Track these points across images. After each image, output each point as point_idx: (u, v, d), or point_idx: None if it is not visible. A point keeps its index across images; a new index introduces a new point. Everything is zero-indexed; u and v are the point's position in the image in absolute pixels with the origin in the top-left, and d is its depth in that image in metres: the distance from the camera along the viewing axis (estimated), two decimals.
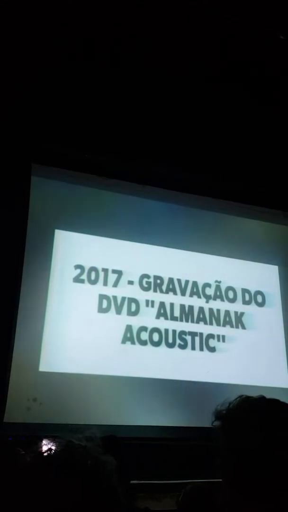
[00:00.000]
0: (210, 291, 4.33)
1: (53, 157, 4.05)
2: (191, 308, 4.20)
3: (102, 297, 3.97)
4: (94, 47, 3.60)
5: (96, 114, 3.92)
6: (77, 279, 3.95)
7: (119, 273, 4.07)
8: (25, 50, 3.54)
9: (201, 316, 4.23)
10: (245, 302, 4.43)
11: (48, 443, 0.79)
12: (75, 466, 0.75)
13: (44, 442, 0.79)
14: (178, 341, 4.07)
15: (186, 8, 3.33)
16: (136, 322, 4.00)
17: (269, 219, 4.89)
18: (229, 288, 4.41)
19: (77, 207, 4.13)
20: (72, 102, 3.85)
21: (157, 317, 4.07)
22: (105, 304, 3.96)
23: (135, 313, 4.03)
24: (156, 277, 4.19)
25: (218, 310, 4.29)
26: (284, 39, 3.51)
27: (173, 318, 4.12)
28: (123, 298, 4.02)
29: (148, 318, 4.04)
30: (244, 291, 4.47)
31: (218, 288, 4.36)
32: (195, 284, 4.29)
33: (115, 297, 3.99)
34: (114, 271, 4.06)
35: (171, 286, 4.22)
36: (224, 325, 4.27)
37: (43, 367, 3.63)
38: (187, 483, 2.27)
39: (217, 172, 4.36)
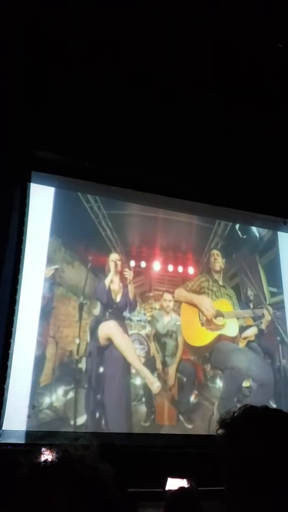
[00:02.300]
0: None
1: (53, 165, 4.02)
2: None
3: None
4: (94, 56, 3.60)
5: (96, 122, 3.90)
6: None
7: None
8: (27, 58, 3.54)
9: None
10: None
11: (44, 453, 0.75)
12: (72, 477, 0.72)
13: (40, 452, 0.76)
14: None
15: (184, 18, 3.33)
16: None
17: (269, 226, 4.91)
18: None
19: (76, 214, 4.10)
20: (73, 110, 3.83)
21: None
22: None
23: None
24: None
25: None
26: (282, 48, 3.51)
27: None
28: None
29: None
30: None
31: None
32: None
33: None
34: None
35: None
36: None
37: None
38: None
39: (218, 180, 4.34)
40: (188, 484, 2.31)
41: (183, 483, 2.48)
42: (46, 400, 3.54)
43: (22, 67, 3.60)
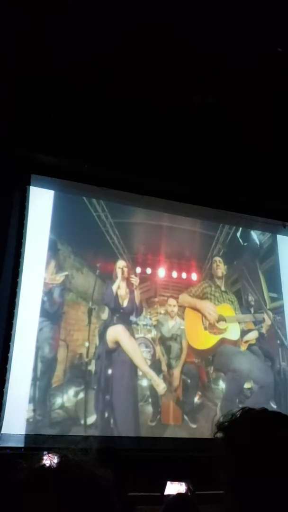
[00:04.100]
0: None
1: (52, 168, 3.95)
2: None
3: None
4: (94, 59, 3.56)
5: (96, 126, 3.85)
6: None
7: None
8: (27, 61, 3.49)
9: None
10: None
11: (42, 459, 0.70)
12: (70, 483, 0.67)
13: (38, 457, 0.71)
14: None
15: (184, 23, 3.27)
16: None
17: (269, 230, 4.85)
18: None
19: (84, 223, 4.08)
20: (73, 113, 3.78)
21: None
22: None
23: None
24: None
25: None
26: (281, 52, 3.44)
27: None
28: None
29: None
30: None
31: None
32: None
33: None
34: None
35: None
36: None
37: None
38: None
39: (217, 183, 4.28)
40: (186, 488, 2.22)
41: (181, 487, 2.40)
42: (58, 401, 3.55)
43: (21, 70, 3.54)
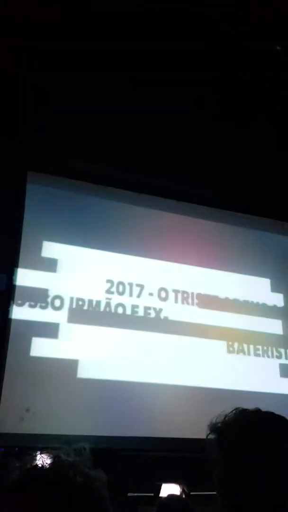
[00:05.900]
0: None
1: (49, 165, 3.93)
2: None
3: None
4: (91, 57, 3.55)
5: (94, 124, 3.84)
6: None
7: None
8: (26, 60, 3.50)
9: None
10: None
11: (35, 458, 0.70)
12: (63, 484, 0.67)
13: (31, 457, 0.71)
14: None
15: (182, 20, 3.27)
16: None
17: (267, 229, 4.78)
18: None
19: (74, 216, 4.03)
20: (71, 110, 3.76)
21: None
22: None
23: None
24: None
25: None
26: (280, 50, 3.43)
27: None
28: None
29: None
30: None
31: None
32: None
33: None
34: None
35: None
36: None
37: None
38: None
39: (216, 182, 4.27)
40: (181, 489, 2.22)
41: (176, 488, 2.40)
42: (54, 400, 3.46)
43: (21, 70, 3.55)
